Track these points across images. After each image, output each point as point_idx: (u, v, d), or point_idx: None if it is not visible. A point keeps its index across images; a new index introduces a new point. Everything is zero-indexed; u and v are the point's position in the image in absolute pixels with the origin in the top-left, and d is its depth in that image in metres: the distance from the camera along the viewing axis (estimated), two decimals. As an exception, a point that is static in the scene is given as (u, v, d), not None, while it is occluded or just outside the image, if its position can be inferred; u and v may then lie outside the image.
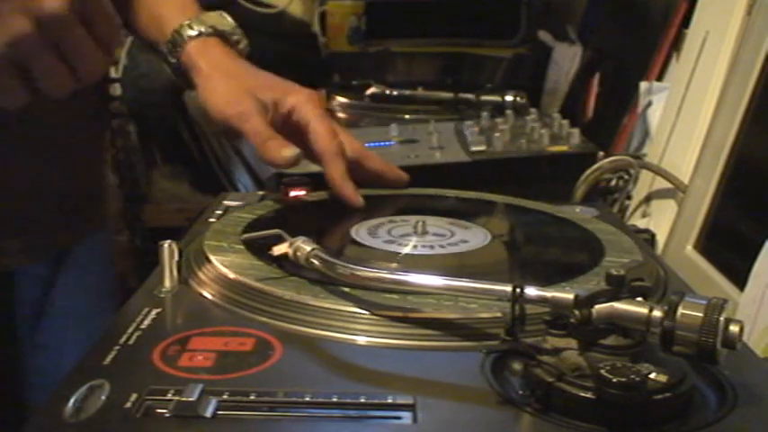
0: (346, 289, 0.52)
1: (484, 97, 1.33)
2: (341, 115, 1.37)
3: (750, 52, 0.80)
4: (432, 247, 0.62)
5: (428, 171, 1.00)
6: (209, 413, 0.40)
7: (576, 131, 1.12)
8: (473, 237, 0.65)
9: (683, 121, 0.93)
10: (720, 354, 0.40)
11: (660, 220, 0.90)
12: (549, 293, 0.44)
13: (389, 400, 0.42)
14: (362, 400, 0.42)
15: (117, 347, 0.47)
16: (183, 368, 0.45)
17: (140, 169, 1.62)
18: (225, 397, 0.41)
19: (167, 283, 0.56)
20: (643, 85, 1.05)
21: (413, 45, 1.75)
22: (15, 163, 0.75)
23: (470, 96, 1.35)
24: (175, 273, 0.57)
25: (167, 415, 0.40)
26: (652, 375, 0.40)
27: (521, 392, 0.42)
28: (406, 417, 0.41)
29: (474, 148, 1.08)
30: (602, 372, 0.39)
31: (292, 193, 0.76)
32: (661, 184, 0.93)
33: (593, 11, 1.49)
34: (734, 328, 0.40)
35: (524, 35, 1.72)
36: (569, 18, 1.55)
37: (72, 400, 0.41)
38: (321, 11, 1.82)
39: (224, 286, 0.55)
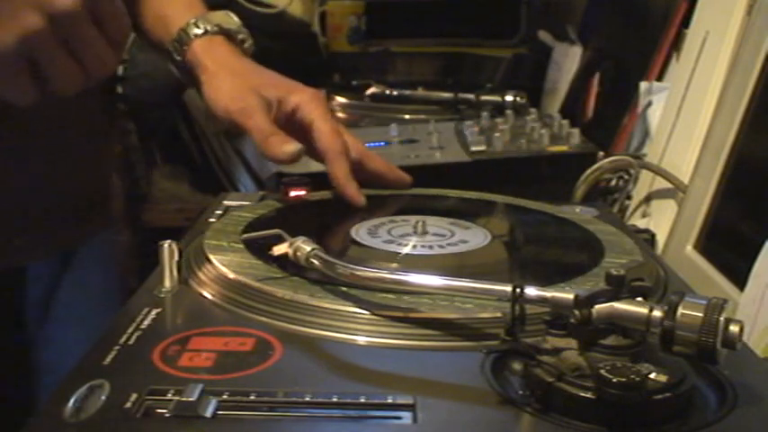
0: (346, 289, 0.52)
1: (484, 97, 1.33)
2: (341, 115, 1.37)
3: (750, 52, 0.80)
4: (431, 247, 0.62)
5: (428, 171, 1.01)
6: (209, 413, 0.40)
7: (576, 131, 1.12)
8: (473, 237, 0.64)
9: (683, 121, 0.93)
10: (720, 354, 0.40)
11: (660, 220, 0.90)
12: (549, 293, 0.44)
13: (389, 400, 0.42)
14: (362, 400, 0.42)
15: (117, 347, 0.47)
16: (182, 368, 0.45)
17: (140, 169, 1.62)
18: (225, 397, 0.41)
19: (167, 283, 0.56)
20: (643, 85, 1.05)
21: (413, 45, 1.75)
22: (25, 161, 0.75)
23: (470, 96, 1.35)
24: (175, 273, 0.57)
25: (167, 415, 0.40)
26: (652, 375, 0.40)
27: (521, 392, 0.42)
28: (406, 417, 0.41)
29: (474, 148, 1.08)
30: (602, 372, 0.39)
31: (292, 193, 0.76)
32: (661, 184, 0.93)
33: (593, 11, 1.49)
34: (734, 328, 0.40)
35: (524, 35, 1.72)
36: (569, 18, 1.55)
37: (72, 400, 0.41)
38: (321, 11, 1.82)
39: (224, 286, 0.55)
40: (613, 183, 1.01)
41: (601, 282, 0.44)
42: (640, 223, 0.92)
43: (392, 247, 0.61)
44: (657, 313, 0.41)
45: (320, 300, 0.51)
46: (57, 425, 0.40)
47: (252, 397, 0.42)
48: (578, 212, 0.74)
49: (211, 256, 0.58)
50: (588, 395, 0.40)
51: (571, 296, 0.43)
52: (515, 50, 1.65)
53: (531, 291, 0.45)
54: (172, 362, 0.45)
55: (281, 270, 0.55)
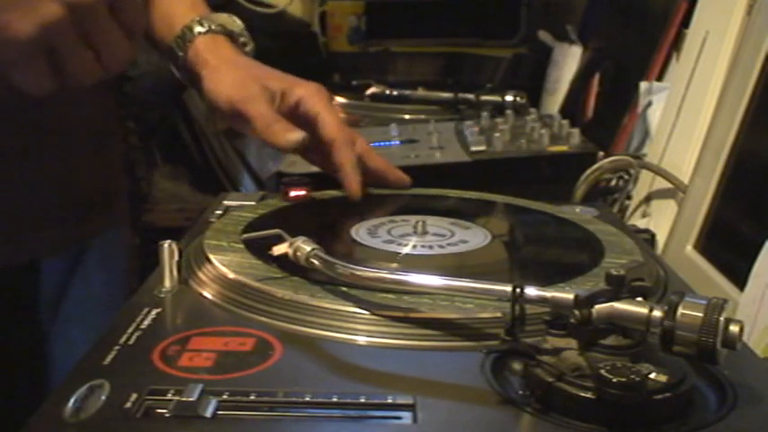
0: (346, 289, 0.52)
1: (484, 97, 1.33)
2: (341, 115, 1.37)
3: (750, 52, 0.80)
4: (431, 247, 0.62)
5: (428, 171, 1.00)
6: (209, 413, 0.40)
7: (575, 131, 1.12)
8: (473, 237, 0.65)
9: (683, 121, 0.93)
10: (720, 354, 0.40)
11: (660, 220, 0.90)
12: (549, 293, 0.44)
13: (389, 400, 0.42)
14: (362, 400, 0.42)
15: (117, 347, 0.47)
16: (182, 368, 0.45)
17: (140, 169, 1.62)
18: (225, 397, 0.41)
19: (167, 283, 0.56)
20: (643, 85, 1.05)
21: (413, 45, 1.75)
22: (37, 157, 0.76)
23: (470, 96, 1.35)
24: (175, 273, 0.57)
25: (167, 415, 0.40)
26: (652, 375, 0.40)
27: (521, 392, 0.42)
28: (406, 417, 0.41)
29: (474, 148, 1.08)
30: (602, 372, 0.39)
31: (292, 193, 0.76)
32: (661, 184, 0.93)
33: (593, 11, 1.49)
34: (734, 328, 0.40)
35: (524, 35, 1.72)
36: (569, 18, 1.55)
37: (72, 400, 0.41)
38: (321, 11, 1.83)
39: (224, 286, 0.55)
40: (613, 183, 1.01)
41: (601, 282, 0.44)
42: (640, 223, 0.92)
43: (392, 247, 0.61)
44: (657, 313, 0.41)
45: (320, 300, 0.51)
46: (57, 425, 0.40)
47: (252, 397, 0.42)
48: (578, 212, 0.74)
49: (211, 256, 0.58)
50: (588, 395, 0.40)
51: (571, 296, 0.43)
52: (515, 50, 1.65)
53: (531, 291, 0.44)
54: (172, 362, 0.45)
55: (281, 270, 0.55)
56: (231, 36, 0.79)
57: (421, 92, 1.42)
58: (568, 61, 1.45)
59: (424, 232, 0.64)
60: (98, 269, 0.85)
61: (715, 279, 0.73)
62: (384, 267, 0.56)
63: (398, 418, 0.41)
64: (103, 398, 0.42)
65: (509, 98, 1.29)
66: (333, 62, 1.76)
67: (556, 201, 0.78)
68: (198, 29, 0.78)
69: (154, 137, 1.67)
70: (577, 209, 0.76)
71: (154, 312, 0.52)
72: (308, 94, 0.76)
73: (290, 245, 0.55)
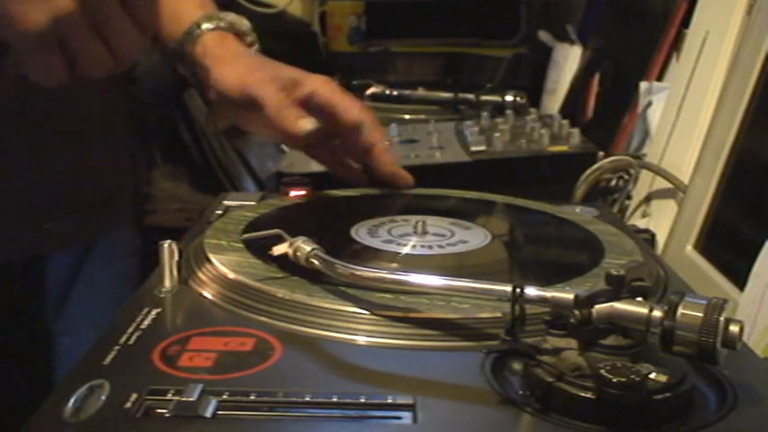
0: (346, 289, 0.52)
1: (484, 97, 1.33)
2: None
3: (750, 52, 0.80)
4: (430, 247, 0.62)
5: (428, 171, 1.00)
6: (209, 413, 0.40)
7: (575, 131, 1.12)
8: (473, 237, 0.64)
9: (683, 121, 0.93)
10: (720, 354, 0.40)
11: (660, 220, 0.90)
12: (549, 293, 0.44)
13: (389, 400, 0.42)
14: (362, 400, 0.42)
15: (117, 347, 0.47)
16: (182, 368, 0.45)
17: (140, 169, 1.62)
18: (225, 397, 0.41)
19: (167, 283, 0.56)
20: (643, 85, 1.05)
21: (413, 45, 1.75)
22: (48, 153, 0.77)
23: (470, 96, 1.35)
24: (175, 273, 0.57)
25: (167, 415, 0.40)
26: (652, 375, 0.40)
27: (521, 392, 0.42)
28: (406, 417, 0.41)
29: (474, 148, 1.08)
30: (602, 372, 0.39)
31: (292, 193, 0.76)
32: (661, 184, 0.93)
33: (593, 11, 1.49)
34: (734, 328, 0.40)
35: (524, 35, 1.72)
36: (569, 18, 1.55)
37: (72, 400, 0.41)
38: (321, 11, 1.83)
39: (224, 286, 0.55)
40: (613, 183, 1.01)
41: (601, 282, 0.44)
42: (640, 223, 0.92)
43: (391, 247, 0.61)
44: (657, 313, 0.41)
45: (320, 300, 0.51)
46: (57, 425, 0.40)
47: (252, 397, 0.42)
48: (578, 212, 0.74)
49: (211, 256, 0.58)
50: (588, 395, 0.40)
51: (571, 296, 0.43)
52: (515, 50, 1.65)
53: (531, 291, 0.44)
54: (172, 362, 0.45)
55: (281, 270, 0.55)
56: (239, 34, 0.80)
57: (421, 92, 1.42)
58: (568, 61, 1.45)
59: (424, 232, 0.64)
60: (103, 268, 0.86)
61: (715, 279, 0.73)
62: (384, 267, 0.56)
63: (398, 418, 0.41)
64: (103, 398, 0.42)
65: (509, 98, 1.29)
66: (333, 62, 1.75)
67: (556, 201, 0.78)
68: (207, 25, 0.78)
69: (154, 137, 1.67)
70: (577, 209, 0.76)
71: (154, 312, 0.52)
72: (320, 86, 0.75)
73: (290, 245, 0.55)
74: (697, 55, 0.94)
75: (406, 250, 0.61)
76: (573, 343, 0.42)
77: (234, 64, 0.76)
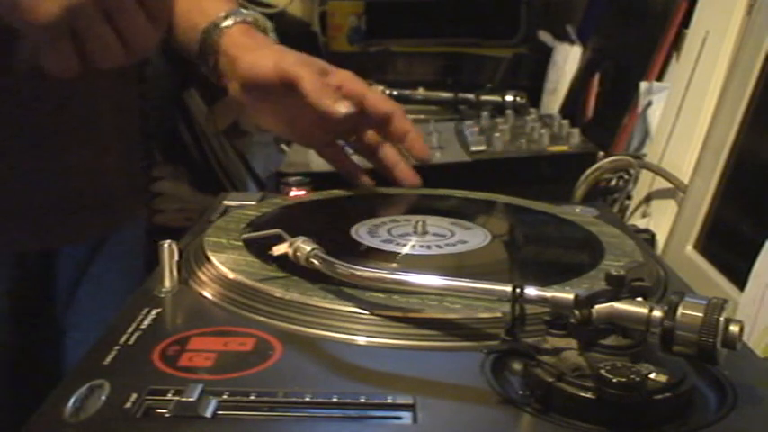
0: (346, 289, 0.52)
1: (484, 97, 1.33)
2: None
3: (750, 52, 0.80)
4: (428, 247, 0.62)
5: (428, 171, 1.00)
6: (209, 413, 0.40)
7: (575, 131, 1.12)
8: (473, 237, 0.64)
9: (683, 121, 0.93)
10: (720, 354, 0.40)
11: (660, 220, 0.90)
12: (549, 293, 0.44)
13: (389, 400, 0.42)
14: (362, 400, 0.42)
15: (117, 347, 0.47)
16: (183, 368, 0.45)
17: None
18: (225, 397, 0.41)
19: (167, 283, 0.56)
20: (643, 85, 1.05)
21: (413, 45, 1.75)
22: (67, 147, 0.78)
23: (470, 96, 1.35)
24: (175, 273, 0.57)
25: (167, 415, 0.40)
26: (652, 375, 0.40)
27: (521, 392, 0.42)
28: (406, 417, 0.41)
29: (474, 148, 1.08)
30: (602, 372, 0.39)
31: (292, 193, 0.76)
32: (661, 184, 0.93)
33: (593, 11, 1.49)
34: (734, 328, 0.40)
35: (524, 35, 1.72)
36: (569, 18, 1.55)
37: (72, 400, 0.41)
38: (321, 11, 1.83)
39: (224, 286, 0.55)
40: (613, 183, 1.01)
41: (601, 282, 0.44)
42: (640, 223, 0.92)
43: (391, 247, 0.61)
44: (657, 313, 0.41)
45: (320, 300, 0.51)
46: (57, 425, 0.40)
47: (252, 397, 0.42)
48: (578, 212, 0.74)
49: (211, 256, 0.58)
50: (588, 395, 0.40)
51: (571, 296, 0.43)
52: (515, 50, 1.65)
53: (531, 291, 0.44)
54: (172, 362, 0.45)
55: (280, 270, 0.55)
56: (264, 32, 0.80)
57: (421, 92, 1.42)
58: (568, 61, 1.45)
59: (424, 232, 0.64)
60: (112, 265, 0.87)
61: (715, 279, 0.73)
62: (384, 267, 0.56)
63: (398, 418, 0.41)
64: (103, 398, 0.42)
65: (509, 98, 1.30)
66: (333, 62, 1.75)
67: (556, 201, 0.78)
68: (234, 18, 0.78)
69: (154, 137, 1.66)
70: (577, 209, 0.76)
71: (154, 312, 0.52)
72: (348, 78, 0.77)
73: (290, 245, 0.55)
74: (697, 55, 0.94)
75: (405, 250, 0.61)
76: (573, 343, 0.42)
77: (264, 50, 0.76)
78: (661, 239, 0.85)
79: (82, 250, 0.85)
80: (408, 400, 0.42)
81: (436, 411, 0.41)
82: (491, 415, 0.41)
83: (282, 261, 0.55)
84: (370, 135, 0.79)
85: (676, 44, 1.06)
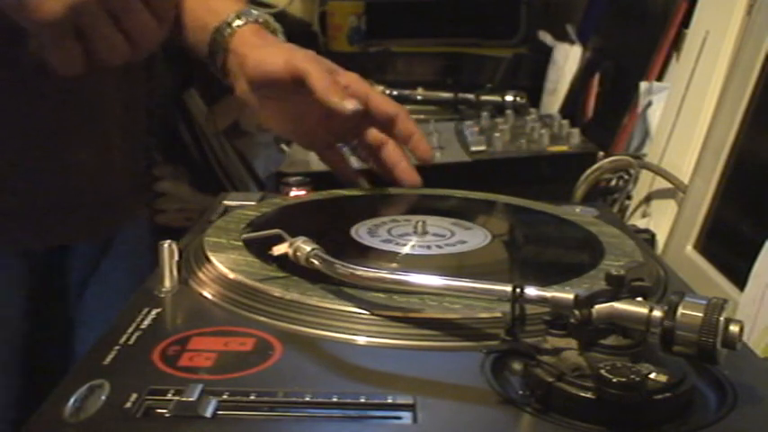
0: (346, 289, 0.52)
1: (484, 97, 1.33)
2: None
3: (750, 52, 0.80)
4: (428, 247, 0.62)
5: (428, 171, 1.00)
6: (209, 413, 0.40)
7: (576, 131, 1.12)
8: (473, 237, 0.64)
9: (682, 121, 0.93)
10: (720, 354, 0.40)
11: (660, 220, 0.90)
12: (549, 293, 0.44)
13: (389, 400, 0.42)
14: (362, 400, 0.42)
15: (117, 347, 0.47)
16: (182, 368, 0.45)
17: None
18: (225, 397, 0.41)
19: (167, 283, 0.56)
20: (643, 85, 1.05)
21: (413, 45, 1.75)
22: (77, 144, 0.78)
23: (470, 96, 1.35)
24: (175, 273, 0.57)
25: (167, 415, 0.40)
26: (652, 375, 0.40)
27: (521, 392, 0.42)
28: (406, 417, 0.41)
29: (474, 148, 1.08)
30: (602, 372, 0.39)
31: (292, 193, 0.76)
32: (661, 184, 0.93)
33: (593, 11, 1.49)
34: (734, 328, 0.40)
35: (524, 35, 1.72)
36: (569, 18, 1.55)
37: (72, 400, 0.41)
38: (321, 11, 1.83)
39: (224, 286, 0.55)
40: (613, 183, 1.01)
41: (601, 282, 0.44)
42: (640, 223, 0.92)
43: (391, 247, 0.61)
44: (657, 313, 0.41)
45: (320, 300, 0.51)
46: (56, 425, 0.40)
47: (252, 397, 0.42)
48: (578, 213, 0.74)
49: (211, 256, 0.58)
50: (588, 395, 0.40)
51: (571, 296, 0.43)
52: (515, 50, 1.65)
53: (531, 291, 0.44)
54: (172, 362, 0.45)
55: (280, 270, 0.55)
56: (275, 33, 0.81)
57: (421, 92, 1.42)
58: (568, 61, 1.45)
59: (424, 232, 0.64)
60: (119, 264, 0.88)
61: (715, 279, 0.73)
62: (384, 267, 0.56)
63: (398, 418, 0.41)
64: (103, 398, 0.42)
65: (509, 98, 1.30)
66: (333, 62, 1.75)
67: (556, 201, 0.78)
68: (244, 18, 0.78)
69: (154, 137, 1.66)
70: (577, 209, 0.76)
71: (154, 312, 0.52)
72: (354, 79, 0.78)
73: (290, 245, 0.55)
74: (697, 55, 0.94)
75: (405, 250, 0.61)
76: (573, 343, 0.42)
77: (274, 47, 0.77)
78: (661, 239, 0.85)
79: (92, 246, 0.86)
80: (408, 400, 0.42)
81: (436, 411, 0.41)
82: (491, 415, 0.41)
83: (282, 261, 0.55)
84: (372, 135, 0.79)
85: (676, 44, 1.06)
